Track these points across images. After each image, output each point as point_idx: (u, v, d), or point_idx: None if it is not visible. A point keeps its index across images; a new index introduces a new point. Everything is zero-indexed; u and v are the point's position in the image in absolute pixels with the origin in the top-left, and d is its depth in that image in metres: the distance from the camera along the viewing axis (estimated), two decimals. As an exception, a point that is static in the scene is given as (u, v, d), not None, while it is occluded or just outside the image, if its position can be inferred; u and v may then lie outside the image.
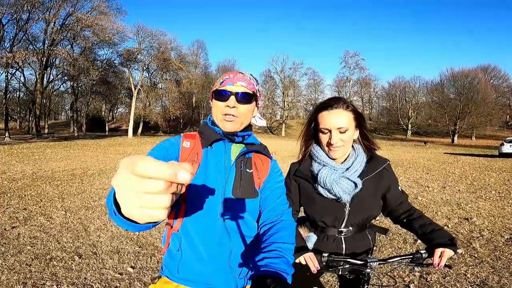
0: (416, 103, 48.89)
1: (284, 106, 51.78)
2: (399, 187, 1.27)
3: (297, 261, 1.10)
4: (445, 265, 1.05)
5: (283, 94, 52.60)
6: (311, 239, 1.25)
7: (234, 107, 0.98)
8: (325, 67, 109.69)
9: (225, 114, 0.99)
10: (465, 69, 43.18)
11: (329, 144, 1.16)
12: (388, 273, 2.60)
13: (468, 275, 2.69)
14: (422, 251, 1.09)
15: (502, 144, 16.81)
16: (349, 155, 1.21)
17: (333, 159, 1.19)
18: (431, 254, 1.07)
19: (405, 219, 1.23)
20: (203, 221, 0.94)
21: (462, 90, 39.79)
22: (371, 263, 1.08)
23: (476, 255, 3.12)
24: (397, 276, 2.66)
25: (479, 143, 35.75)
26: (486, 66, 47.75)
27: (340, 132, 1.13)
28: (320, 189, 1.18)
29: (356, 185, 1.15)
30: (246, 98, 0.99)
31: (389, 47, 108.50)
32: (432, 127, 47.66)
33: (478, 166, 11.59)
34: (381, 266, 1.23)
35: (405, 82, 51.97)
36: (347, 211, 1.19)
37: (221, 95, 0.99)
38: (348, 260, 1.10)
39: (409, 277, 2.63)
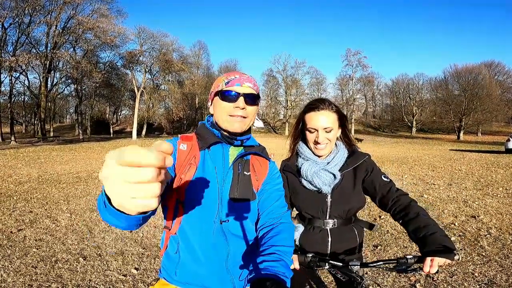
0: (420, 100, 48.45)
1: (287, 105, 51.64)
2: (384, 177, 1.27)
3: None
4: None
5: (286, 93, 52.38)
6: (298, 229, 1.33)
7: (244, 108, 0.96)
8: (327, 66, 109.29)
9: (232, 116, 0.97)
10: (469, 66, 42.77)
11: (316, 143, 1.25)
12: (374, 280, 2.56)
13: (476, 274, 2.65)
14: (409, 257, 1.04)
15: (508, 140, 16.58)
16: (331, 151, 1.31)
17: (319, 156, 1.29)
18: (421, 261, 1.02)
19: (401, 220, 1.18)
20: (200, 224, 0.93)
21: (467, 86, 39.32)
22: (352, 266, 1.09)
23: (483, 254, 3.07)
24: (403, 276, 2.63)
25: (485, 139, 35.39)
26: (490, 62, 47.06)
27: (326, 132, 1.23)
28: (304, 182, 1.29)
29: (335, 176, 1.25)
30: (253, 99, 0.99)
31: (391, 45, 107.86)
32: (437, 124, 47.24)
33: (484, 163, 11.45)
34: (364, 269, 1.21)
35: (408, 79, 51.50)
36: (329, 202, 1.27)
37: (229, 96, 0.97)
38: (330, 261, 1.12)
39: (415, 276, 2.60)
